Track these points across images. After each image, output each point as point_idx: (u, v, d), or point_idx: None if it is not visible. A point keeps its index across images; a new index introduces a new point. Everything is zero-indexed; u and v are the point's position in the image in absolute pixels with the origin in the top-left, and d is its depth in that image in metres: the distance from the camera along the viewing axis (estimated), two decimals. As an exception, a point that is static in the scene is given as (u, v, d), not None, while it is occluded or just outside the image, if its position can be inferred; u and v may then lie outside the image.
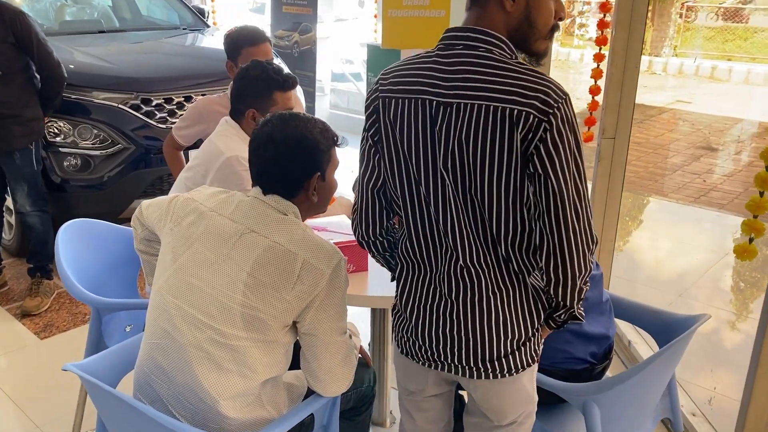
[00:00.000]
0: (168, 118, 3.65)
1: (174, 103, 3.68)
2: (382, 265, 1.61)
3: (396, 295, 1.53)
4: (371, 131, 1.44)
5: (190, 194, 1.65)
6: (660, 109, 8.92)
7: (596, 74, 2.89)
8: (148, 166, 3.64)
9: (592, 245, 1.31)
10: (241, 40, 2.61)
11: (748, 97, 10.46)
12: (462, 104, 1.27)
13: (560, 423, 1.85)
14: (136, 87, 3.61)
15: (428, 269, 1.43)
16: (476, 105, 1.25)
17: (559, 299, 1.35)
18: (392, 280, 1.57)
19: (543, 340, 1.47)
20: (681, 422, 1.92)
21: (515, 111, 1.22)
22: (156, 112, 3.63)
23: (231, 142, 2.11)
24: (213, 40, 4.61)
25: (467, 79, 1.28)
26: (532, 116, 1.21)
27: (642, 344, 2.83)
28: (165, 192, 3.73)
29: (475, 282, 1.37)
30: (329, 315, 1.50)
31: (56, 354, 3.01)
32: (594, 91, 2.88)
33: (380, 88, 1.41)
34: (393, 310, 1.56)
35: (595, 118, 2.90)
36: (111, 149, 3.54)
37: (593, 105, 2.90)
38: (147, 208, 1.76)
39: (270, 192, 1.54)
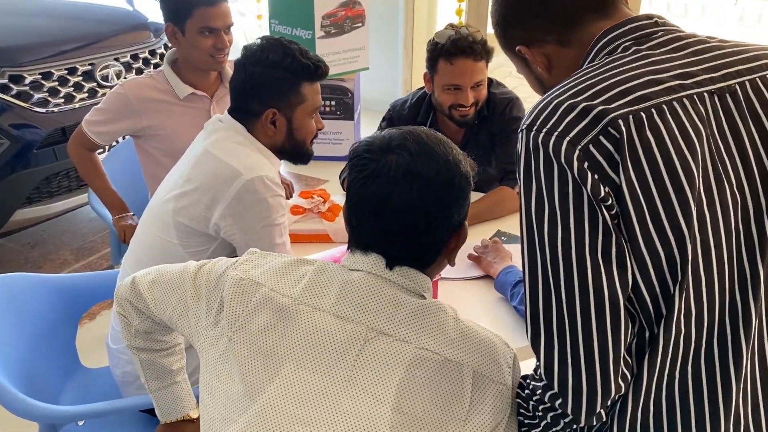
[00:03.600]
0: (49, 99, 2.77)
1: (55, 78, 2.79)
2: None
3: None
4: (601, 191, 0.82)
5: (240, 267, 1.03)
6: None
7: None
8: (30, 166, 2.75)
9: None
10: None
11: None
12: (743, 83, 0.92)
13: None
14: (-1, 60, 2.68)
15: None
16: (748, 81, 0.92)
17: None
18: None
19: None
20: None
21: None
22: (32, 93, 2.72)
23: (247, 157, 1.46)
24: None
25: (716, 57, 0.93)
26: None
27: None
28: (55, 196, 2.91)
29: None
30: None
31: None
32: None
33: (609, 114, 0.83)
34: None
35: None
36: (-27, 147, 2.62)
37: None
38: (149, 289, 1.12)
39: (399, 263, 0.98)
